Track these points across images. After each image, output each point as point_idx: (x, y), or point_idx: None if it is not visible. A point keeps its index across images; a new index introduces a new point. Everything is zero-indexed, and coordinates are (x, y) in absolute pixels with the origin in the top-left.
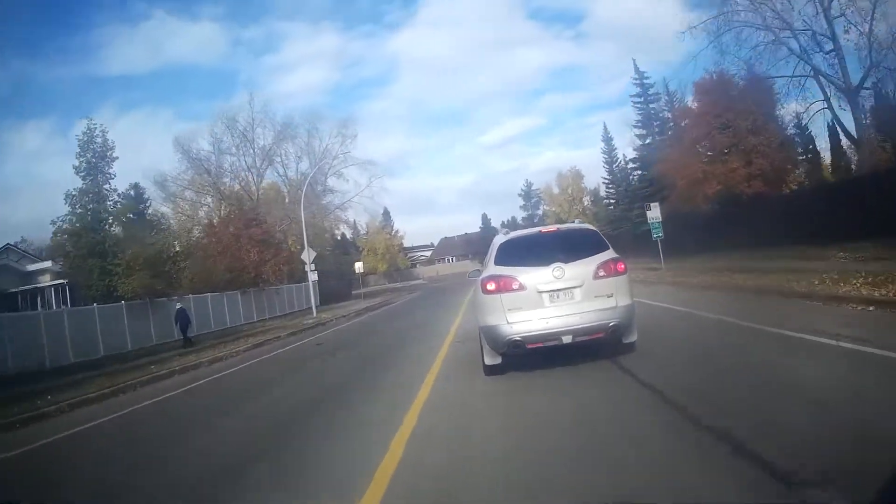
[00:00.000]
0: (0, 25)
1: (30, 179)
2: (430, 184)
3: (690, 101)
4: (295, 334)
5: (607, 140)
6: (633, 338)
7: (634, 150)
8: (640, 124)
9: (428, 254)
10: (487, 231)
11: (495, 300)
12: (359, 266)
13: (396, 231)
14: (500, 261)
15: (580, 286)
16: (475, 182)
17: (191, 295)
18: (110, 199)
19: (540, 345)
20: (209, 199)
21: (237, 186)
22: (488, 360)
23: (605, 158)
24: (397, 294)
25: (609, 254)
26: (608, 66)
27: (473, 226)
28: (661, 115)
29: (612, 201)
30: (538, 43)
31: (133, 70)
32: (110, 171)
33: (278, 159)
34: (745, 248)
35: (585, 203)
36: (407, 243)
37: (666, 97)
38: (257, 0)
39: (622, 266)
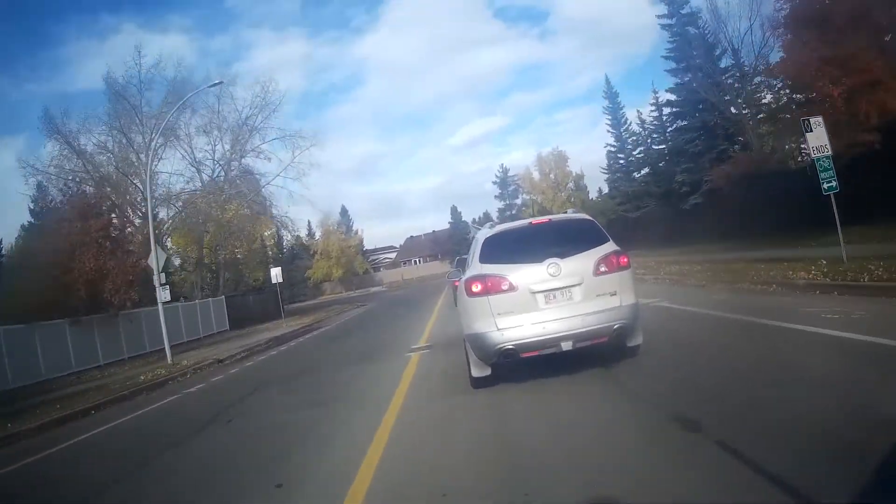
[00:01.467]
0: None
1: None
2: (398, 187)
3: None
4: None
5: (611, 96)
6: (637, 340)
7: (668, 91)
8: (673, 55)
9: (392, 256)
10: (458, 226)
11: (482, 303)
12: (275, 274)
13: (356, 231)
14: (486, 258)
15: (579, 284)
16: (444, 183)
17: None
18: None
19: (535, 353)
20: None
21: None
22: (476, 372)
23: (609, 121)
24: (340, 309)
25: (609, 246)
26: (574, 61)
27: (442, 224)
28: (706, 37)
29: (617, 175)
30: (503, 42)
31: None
32: None
33: (182, 135)
34: None
35: (570, 188)
36: (370, 245)
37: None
38: (224, 10)
39: (625, 259)
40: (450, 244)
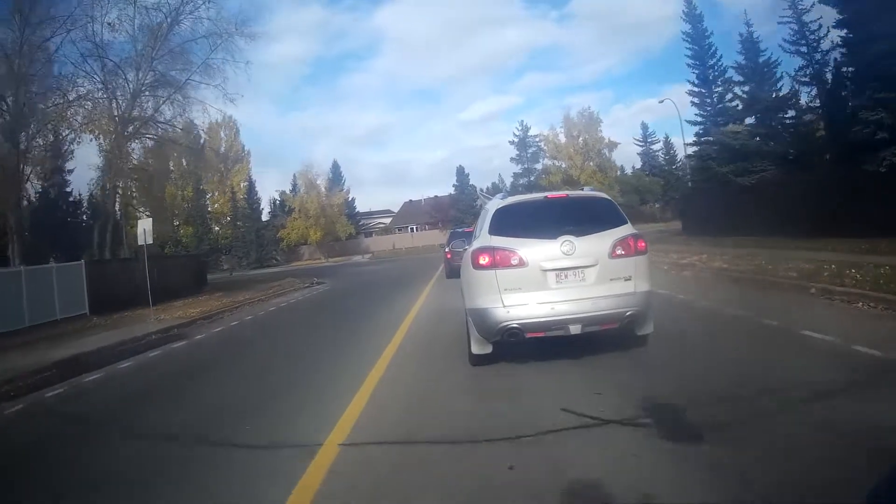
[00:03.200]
0: None
1: None
2: (405, 156)
3: None
4: None
5: (694, 19)
6: (648, 329)
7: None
8: None
9: (387, 221)
10: (464, 191)
11: (489, 277)
12: (143, 228)
13: (344, 188)
14: (496, 230)
15: (594, 265)
16: (452, 155)
17: None
18: None
19: (541, 334)
20: None
21: None
22: (476, 349)
23: (690, 52)
24: (280, 288)
25: (627, 228)
26: (590, 46)
27: (447, 191)
28: None
29: (702, 127)
30: (522, 22)
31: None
32: None
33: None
34: None
35: (604, 154)
36: (363, 208)
37: None
38: None
39: (643, 244)
40: (453, 211)
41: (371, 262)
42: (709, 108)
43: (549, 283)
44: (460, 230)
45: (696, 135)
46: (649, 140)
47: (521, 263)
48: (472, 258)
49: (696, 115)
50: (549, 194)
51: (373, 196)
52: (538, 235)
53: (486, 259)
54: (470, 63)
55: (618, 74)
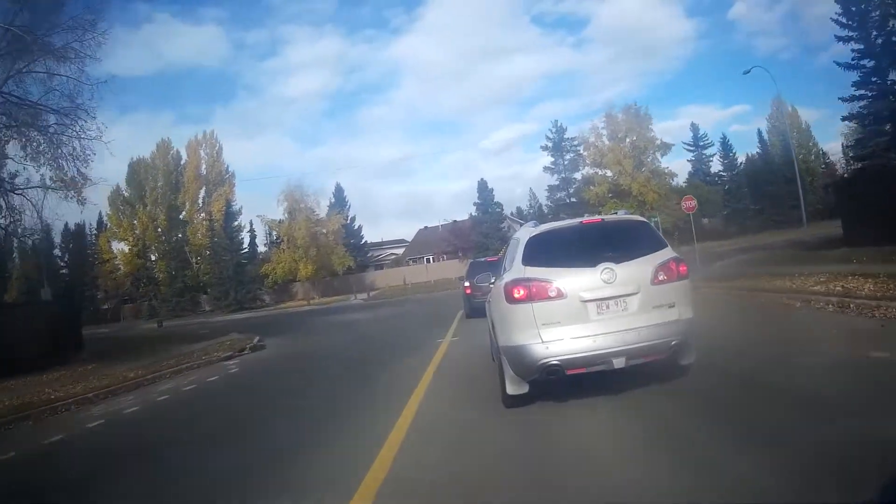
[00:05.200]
0: None
1: None
2: (425, 188)
3: None
4: None
5: None
6: (691, 359)
7: None
8: None
9: (400, 252)
10: (487, 210)
11: (525, 312)
12: None
13: (346, 209)
14: (529, 260)
15: (636, 293)
16: (474, 185)
17: None
18: None
19: (583, 370)
20: None
21: None
22: (511, 389)
23: None
24: (191, 360)
25: (668, 252)
26: (606, 72)
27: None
28: None
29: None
30: (539, 49)
31: (134, 72)
32: None
33: None
34: None
35: (662, 165)
36: (375, 238)
37: None
38: (260, 3)
39: (684, 268)
40: (475, 235)
41: (364, 306)
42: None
43: (590, 314)
44: (482, 260)
45: (856, 84)
46: (701, 144)
47: (560, 295)
48: (505, 291)
49: (853, 54)
50: (585, 220)
51: (393, 230)
52: (576, 264)
53: (522, 292)
54: (488, 92)
55: (638, 97)
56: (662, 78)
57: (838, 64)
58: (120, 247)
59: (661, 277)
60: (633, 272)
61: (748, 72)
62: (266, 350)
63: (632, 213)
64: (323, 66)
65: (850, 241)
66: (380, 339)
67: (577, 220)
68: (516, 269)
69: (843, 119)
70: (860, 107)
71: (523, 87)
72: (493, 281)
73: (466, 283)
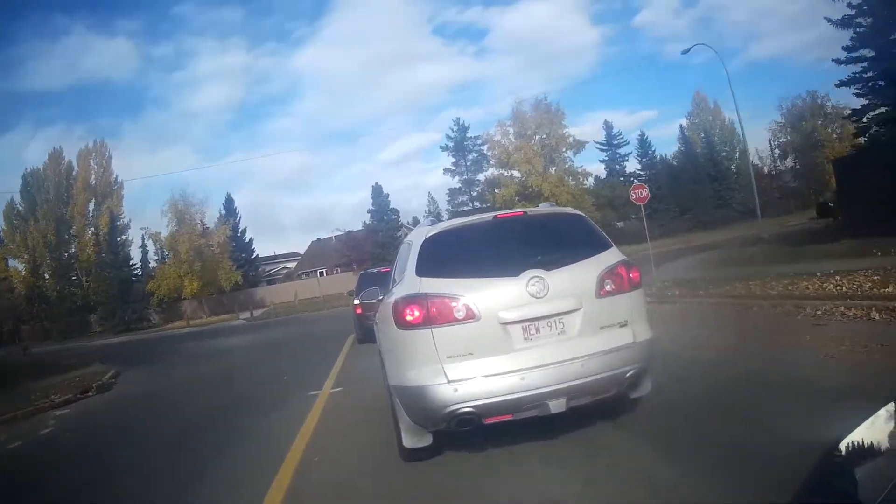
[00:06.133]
0: None
1: None
2: (324, 200)
3: None
4: None
5: None
6: (645, 390)
7: None
8: None
9: (293, 265)
10: (382, 216)
11: (422, 340)
12: None
13: (237, 220)
14: (426, 269)
15: (576, 310)
16: (370, 197)
17: None
18: None
19: (507, 416)
20: None
21: None
22: (409, 441)
23: None
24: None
25: (614, 254)
26: (506, 81)
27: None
28: None
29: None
30: (441, 59)
31: (43, 85)
32: None
33: None
34: None
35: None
36: (267, 252)
37: None
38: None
39: (637, 274)
40: (369, 246)
41: (244, 328)
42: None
43: (514, 341)
44: (374, 271)
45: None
46: (615, 143)
47: (470, 315)
48: (394, 313)
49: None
50: (500, 213)
51: (290, 245)
52: (491, 272)
53: (416, 313)
54: (389, 101)
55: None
56: (570, 84)
57: (830, 21)
58: (14, 264)
59: (607, 287)
60: (571, 281)
61: (687, 51)
62: (114, 389)
63: (557, 205)
64: (227, 78)
65: (854, 231)
66: (242, 380)
67: (489, 215)
68: (408, 281)
69: (839, 85)
70: (858, 71)
71: (425, 97)
72: (380, 297)
73: (356, 301)
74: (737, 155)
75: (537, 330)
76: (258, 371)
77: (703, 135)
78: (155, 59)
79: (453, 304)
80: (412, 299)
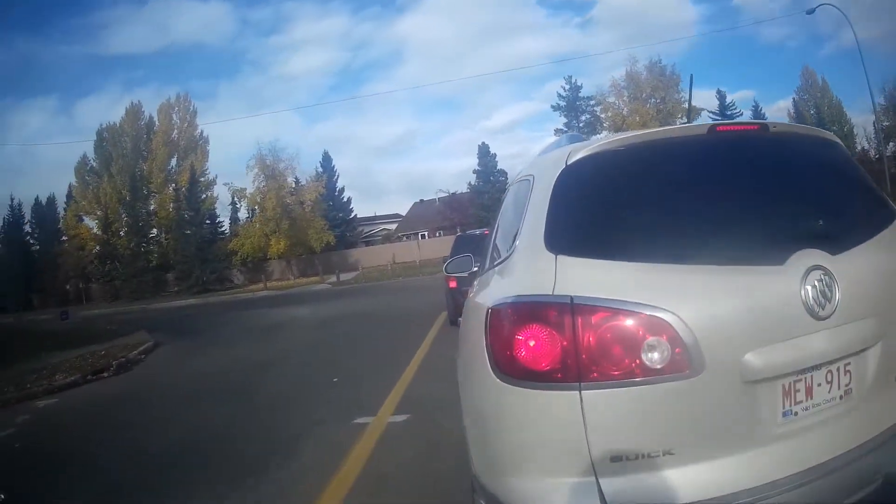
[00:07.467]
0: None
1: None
2: (428, 166)
3: None
4: None
5: None
6: None
7: None
8: None
9: (393, 227)
10: (488, 178)
11: (555, 411)
12: None
13: (335, 179)
14: (566, 236)
15: (875, 343)
16: (474, 164)
17: None
18: None
19: None
20: None
21: None
22: None
23: None
24: None
25: None
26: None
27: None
28: None
29: None
30: (544, 30)
31: (137, 50)
32: None
33: None
34: None
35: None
36: (365, 212)
37: None
38: None
39: None
40: (473, 209)
41: (326, 294)
42: None
43: (765, 419)
44: (476, 232)
45: None
46: (727, 114)
47: (678, 361)
48: (489, 339)
49: None
50: (720, 125)
51: (392, 205)
52: (720, 254)
53: (546, 348)
54: (491, 71)
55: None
56: (671, 62)
57: None
58: (87, 222)
59: None
60: (870, 278)
61: (812, 11)
62: (135, 370)
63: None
64: (327, 43)
65: None
66: (278, 377)
67: (696, 126)
68: (525, 262)
69: None
70: None
71: (529, 67)
72: (474, 268)
73: (448, 273)
74: (844, 133)
75: (808, 392)
76: (306, 362)
77: (813, 111)
78: (252, 23)
79: (638, 328)
80: (536, 311)
